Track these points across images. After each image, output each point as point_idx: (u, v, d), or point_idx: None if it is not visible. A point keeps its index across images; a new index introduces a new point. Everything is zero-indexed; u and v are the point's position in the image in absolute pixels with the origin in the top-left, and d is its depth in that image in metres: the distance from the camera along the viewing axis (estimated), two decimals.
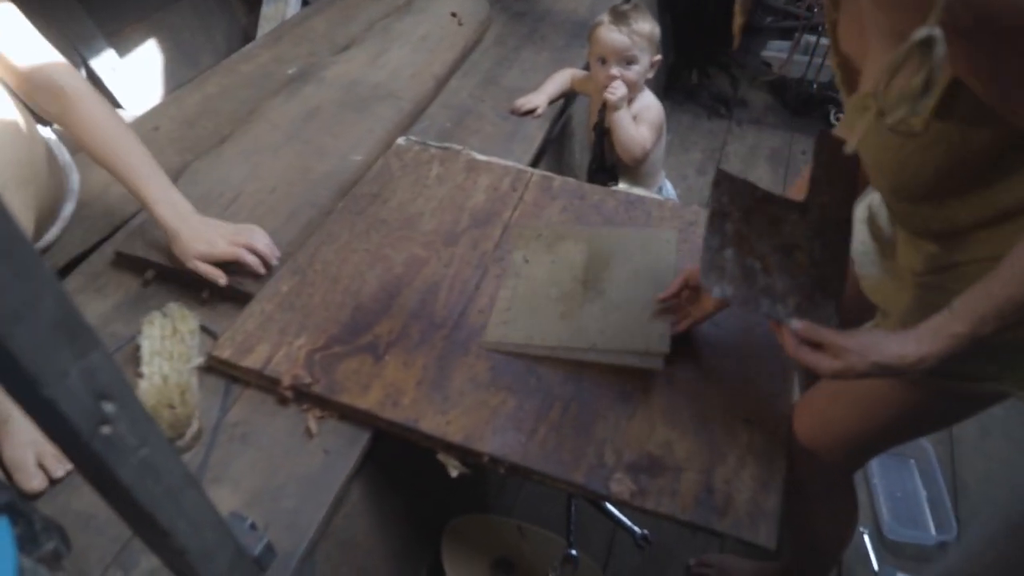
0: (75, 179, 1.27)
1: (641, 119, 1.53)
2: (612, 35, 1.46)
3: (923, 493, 1.63)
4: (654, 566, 1.51)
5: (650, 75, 1.52)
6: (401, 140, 1.50)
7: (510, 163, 1.44)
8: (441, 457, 0.97)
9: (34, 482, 0.90)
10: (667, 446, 0.95)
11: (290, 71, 1.70)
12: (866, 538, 1.55)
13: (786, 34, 3.19)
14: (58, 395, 0.43)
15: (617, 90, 1.47)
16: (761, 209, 0.85)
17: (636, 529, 1.55)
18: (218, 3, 2.07)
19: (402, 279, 1.17)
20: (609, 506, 1.56)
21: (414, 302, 1.13)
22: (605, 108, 1.53)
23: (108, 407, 0.47)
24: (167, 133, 1.51)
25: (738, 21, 0.87)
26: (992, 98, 0.61)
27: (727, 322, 1.11)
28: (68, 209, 1.25)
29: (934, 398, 0.85)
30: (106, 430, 0.48)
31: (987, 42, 0.56)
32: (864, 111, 0.69)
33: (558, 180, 1.39)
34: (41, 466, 0.91)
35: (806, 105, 2.93)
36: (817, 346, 0.76)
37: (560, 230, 1.26)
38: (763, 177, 2.65)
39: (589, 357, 1.04)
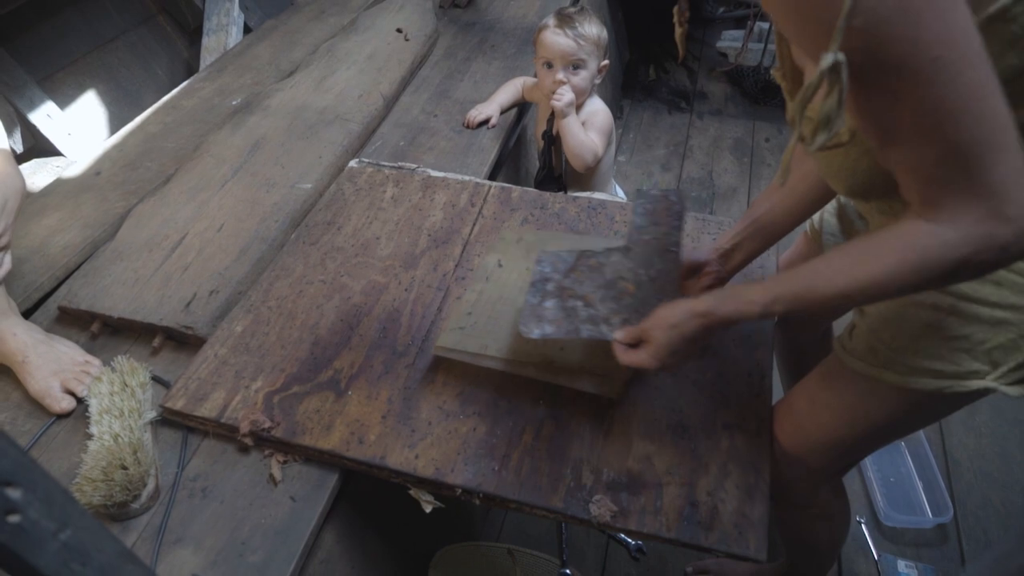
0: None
1: (590, 125, 1.49)
2: (558, 39, 1.42)
3: (916, 476, 1.61)
4: None
5: (598, 80, 1.49)
6: (353, 163, 1.45)
7: (467, 178, 1.40)
8: (413, 493, 0.93)
9: (63, 403, 1.03)
10: (646, 460, 0.92)
11: (234, 102, 1.65)
12: (863, 527, 1.53)
13: (740, 23, 3.19)
14: None
15: (563, 96, 1.43)
16: (582, 264, 0.99)
17: (630, 541, 1.51)
18: (155, 38, 2.02)
19: (361, 308, 1.13)
20: None
21: (375, 331, 1.09)
22: (553, 115, 1.50)
23: (13, 494, 0.43)
24: (109, 178, 1.46)
25: (679, 31, 0.87)
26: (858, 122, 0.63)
27: None
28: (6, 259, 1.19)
29: (922, 400, 0.82)
30: (14, 519, 0.43)
31: (871, 76, 0.56)
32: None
33: (517, 191, 1.36)
34: (67, 390, 1.03)
35: (765, 92, 2.94)
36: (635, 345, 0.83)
37: (544, 236, 1.21)
38: (728, 168, 2.64)
39: (543, 376, 0.98)
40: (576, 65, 1.44)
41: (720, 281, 1.03)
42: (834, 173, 0.77)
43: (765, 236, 1.00)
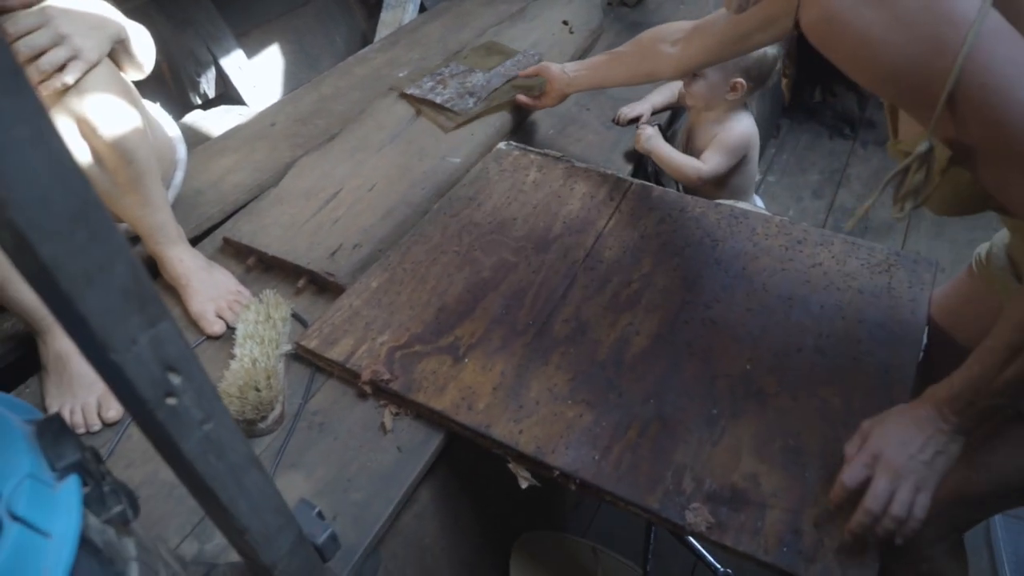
0: (182, 150, 1.35)
1: (716, 140, 1.48)
2: None
3: None
4: None
5: (731, 97, 1.44)
6: (502, 145, 1.49)
7: (610, 171, 1.40)
8: (512, 467, 0.94)
9: (215, 327, 1.14)
10: (753, 479, 0.88)
11: (401, 74, 1.74)
12: None
13: None
14: (126, 361, 0.44)
15: (641, 134, 1.48)
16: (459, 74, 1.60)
17: (718, 567, 1.46)
18: (340, 8, 2.16)
19: (489, 283, 1.16)
20: (690, 538, 1.48)
21: (498, 307, 1.12)
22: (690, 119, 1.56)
23: (175, 379, 0.48)
24: (282, 129, 1.58)
25: (785, 82, 0.92)
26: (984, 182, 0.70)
27: (833, 348, 1.03)
28: (179, 177, 1.34)
29: None
30: (171, 401, 0.48)
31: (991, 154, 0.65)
32: (897, 151, 0.83)
33: (658, 191, 1.34)
34: (220, 316, 1.14)
35: None
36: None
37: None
38: (886, 202, 2.46)
39: None
40: (695, 73, 1.43)
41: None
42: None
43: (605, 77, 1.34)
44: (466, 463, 1.09)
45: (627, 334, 1.07)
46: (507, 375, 1.01)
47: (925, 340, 1.08)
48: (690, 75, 1.46)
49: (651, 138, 1.48)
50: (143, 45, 1.15)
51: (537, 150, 1.47)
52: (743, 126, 1.48)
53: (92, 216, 0.38)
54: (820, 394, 0.98)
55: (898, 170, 0.70)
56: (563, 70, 1.40)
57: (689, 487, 0.87)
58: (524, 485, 0.94)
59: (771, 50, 1.38)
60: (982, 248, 1.05)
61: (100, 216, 0.39)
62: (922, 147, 0.67)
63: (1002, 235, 1.02)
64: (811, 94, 2.98)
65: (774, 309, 1.10)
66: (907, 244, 2.34)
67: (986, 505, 0.92)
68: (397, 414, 1.01)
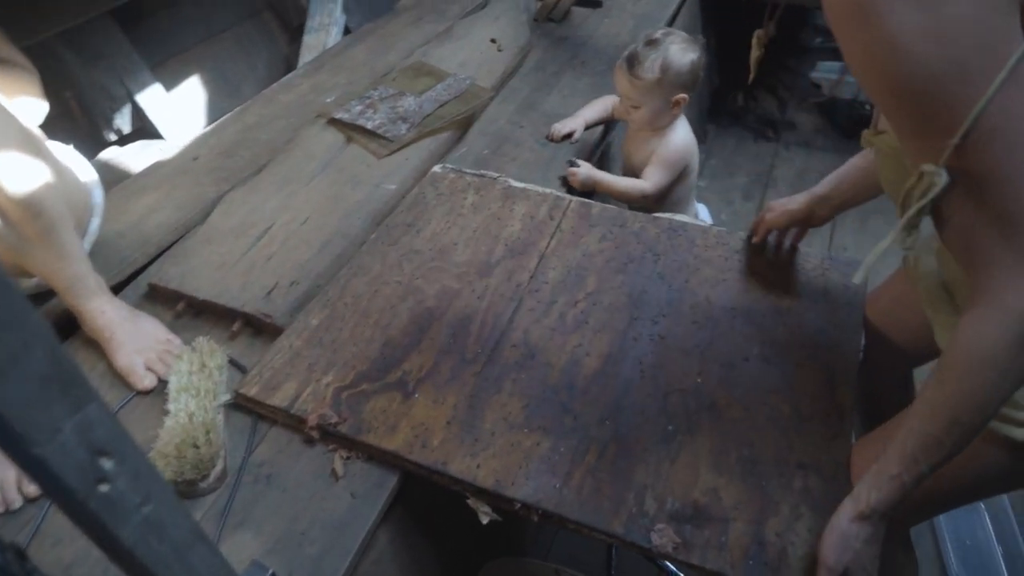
0: (98, 194, 1.27)
1: (656, 156, 1.49)
2: (619, 77, 1.44)
3: (996, 541, 1.51)
4: None
5: (675, 112, 1.46)
6: (437, 168, 1.47)
7: (548, 190, 1.40)
8: (471, 502, 0.92)
9: (145, 381, 1.07)
10: (713, 493, 0.89)
11: (328, 100, 1.70)
12: None
13: (836, 54, 3.09)
14: (49, 453, 0.40)
15: (576, 174, 1.46)
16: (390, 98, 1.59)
17: None
18: (261, 34, 2.10)
19: (433, 312, 1.13)
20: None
21: (445, 337, 1.09)
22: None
23: (106, 463, 0.44)
24: (205, 163, 1.52)
25: (755, 54, 0.88)
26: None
27: (778, 356, 1.04)
28: (95, 224, 1.25)
29: (1016, 454, 0.77)
30: (104, 488, 0.44)
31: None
32: (872, 142, 0.83)
33: (597, 207, 1.34)
34: (149, 368, 1.07)
35: (858, 126, 2.82)
36: None
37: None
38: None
39: None
40: (633, 104, 1.45)
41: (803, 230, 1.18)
42: (892, 187, 0.79)
43: (858, 193, 1.09)
44: (423, 501, 1.05)
45: (577, 355, 1.06)
46: (459, 407, 0.99)
47: (863, 341, 1.11)
48: (628, 106, 1.46)
49: (585, 173, 1.47)
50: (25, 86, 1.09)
51: (473, 172, 1.45)
52: (680, 138, 1.50)
53: (3, 301, 0.35)
54: (770, 402, 0.99)
55: (912, 212, 0.66)
56: (825, 199, 1.14)
57: (652, 508, 0.87)
58: (485, 520, 0.92)
59: (694, 55, 1.41)
60: (911, 251, 1.09)
61: (8, 300, 0.35)
62: (941, 179, 0.61)
63: (928, 240, 1.05)
64: (734, 99, 3.07)
65: (719, 320, 1.11)
66: (834, 240, 2.43)
67: (938, 506, 0.95)
68: (348, 458, 0.97)
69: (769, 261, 1.21)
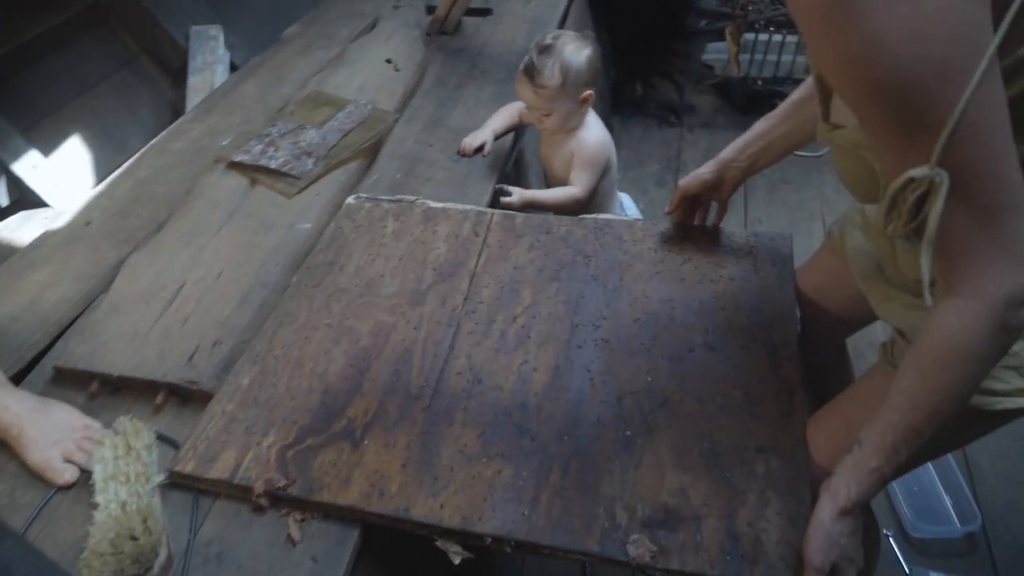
0: None
1: (577, 159, 1.49)
2: (522, 88, 1.43)
3: (940, 484, 1.58)
4: None
5: (584, 110, 1.47)
6: (351, 199, 1.42)
7: (468, 207, 1.37)
8: (440, 544, 0.88)
9: (66, 476, 0.98)
10: (681, 492, 0.88)
11: (224, 143, 1.62)
12: (891, 540, 1.49)
13: (723, 35, 3.20)
14: None
15: (512, 202, 1.42)
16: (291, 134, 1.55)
17: None
18: (139, 79, 1.99)
19: (370, 351, 1.09)
20: None
21: (387, 375, 1.05)
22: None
23: None
24: (100, 226, 1.42)
25: (733, 51, 0.89)
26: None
27: (721, 341, 1.05)
28: None
29: (965, 418, 0.79)
30: None
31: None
32: (828, 138, 0.79)
33: (520, 217, 1.33)
34: (68, 460, 0.98)
35: (753, 103, 2.94)
36: None
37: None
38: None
39: None
40: (543, 112, 1.44)
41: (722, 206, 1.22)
42: (852, 181, 0.77)
43: (770, 155, 1.12)
44: (388, 550, 1.01)
45: (524, 373, 1.04)
46: (413, 447, 0.95)
47: (799, 313, 1.14)
48: (539, 115, 1.45)
49: (519, 198, 1.45)
50: None
51: (389, 198, 1.41)
52: (595, 135, 1.50)
53: None
54: (720, 390, 0.99)
55: (885, 204, 0.64)
56: (732, 162, 1.16)
57: (623, 519, 0.85)
58: (457, 561, 0.88)
59: (588, 50, 1.41)
60: (835, 226, 1.12)
61: None
62: (943, 179, 0.58)
63: (851, 215, 1.08)
64: (633, 89, 3.12)
65: (659, 314, 1.11)
66: (748, 212, 2.50)
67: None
68: (303, 520, 0.92)
69: (698, 246, 1.22)
